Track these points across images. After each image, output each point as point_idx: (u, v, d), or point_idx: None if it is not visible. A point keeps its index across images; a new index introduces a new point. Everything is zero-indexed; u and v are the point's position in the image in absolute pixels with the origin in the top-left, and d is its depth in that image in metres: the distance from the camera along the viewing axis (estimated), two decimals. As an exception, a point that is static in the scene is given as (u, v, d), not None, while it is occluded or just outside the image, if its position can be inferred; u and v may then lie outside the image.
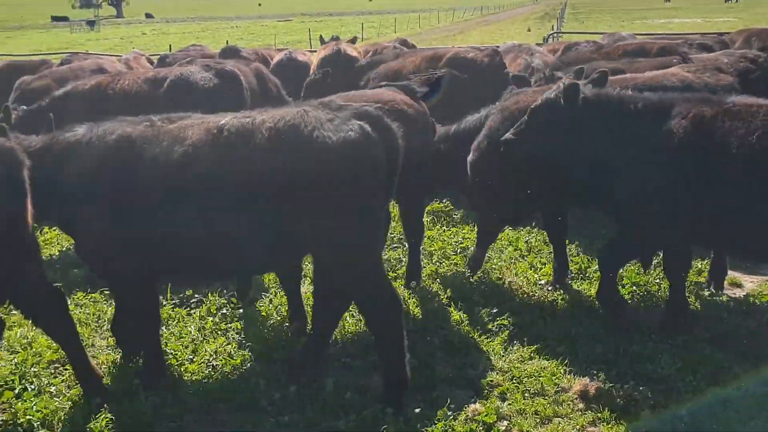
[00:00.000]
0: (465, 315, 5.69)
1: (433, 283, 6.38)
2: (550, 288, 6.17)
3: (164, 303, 5.88)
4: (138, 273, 4.46)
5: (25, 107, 7.24)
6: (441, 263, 6.87)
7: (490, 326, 5.51)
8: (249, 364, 5.08)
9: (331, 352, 5.12)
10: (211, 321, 5.71)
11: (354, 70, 9.78)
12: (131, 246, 4.30)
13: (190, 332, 5.49)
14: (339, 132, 3.89)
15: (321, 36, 16.41)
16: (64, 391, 4.75)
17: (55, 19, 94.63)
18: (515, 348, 5.22)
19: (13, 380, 4.76)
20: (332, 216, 3.98)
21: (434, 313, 5.75)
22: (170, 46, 28.86)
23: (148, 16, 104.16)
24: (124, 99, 7.31)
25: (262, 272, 5.81)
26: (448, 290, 6.09)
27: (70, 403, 4.58)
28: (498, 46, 10.21)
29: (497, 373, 4.90)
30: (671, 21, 50.26)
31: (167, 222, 4.20)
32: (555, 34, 18.43)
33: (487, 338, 5.34)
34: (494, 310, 5.70)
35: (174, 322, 5.70)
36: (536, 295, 6.08)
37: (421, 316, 5.74)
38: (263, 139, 4.01)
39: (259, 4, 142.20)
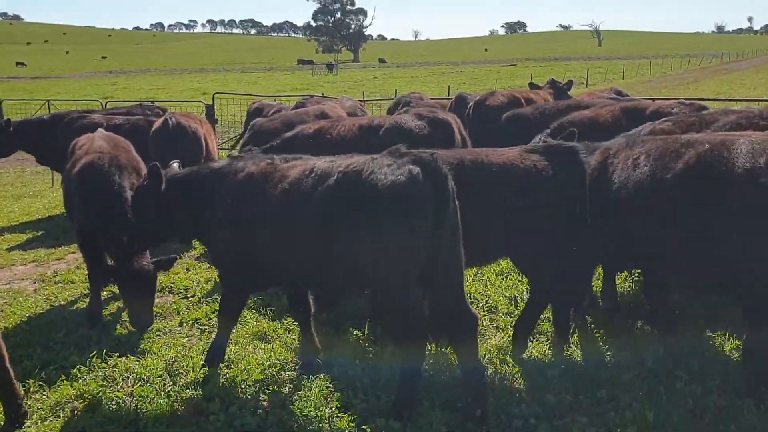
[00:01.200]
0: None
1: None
2: None
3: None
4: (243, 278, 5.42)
5: (257, 147, 8.06)
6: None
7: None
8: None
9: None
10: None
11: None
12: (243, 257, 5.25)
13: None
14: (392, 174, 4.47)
15: (530, 82, 16.46)
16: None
17: (300, 62, 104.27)
18: None
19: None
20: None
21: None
22: (395, 90, 30.39)
23: (381, 61, 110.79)
24: (342, 142, 7.87)
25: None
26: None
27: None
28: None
29: None
30: None
31: (264, 241, 5.06)
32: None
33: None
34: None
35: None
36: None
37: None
38: (333, 180, 4.70)
39: (486, 50, 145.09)
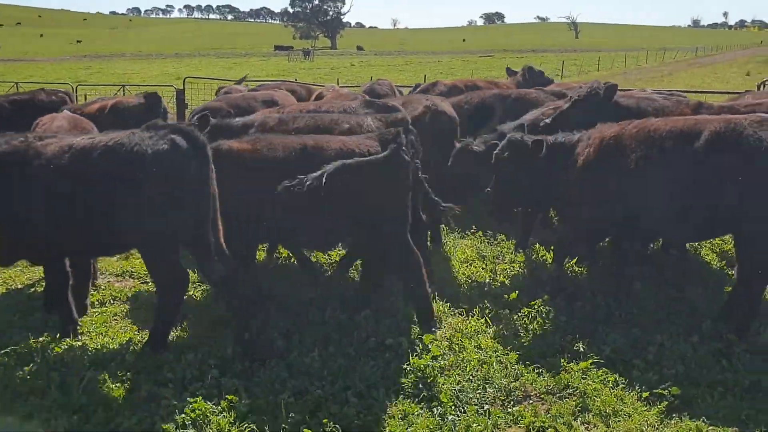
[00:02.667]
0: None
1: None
2: None
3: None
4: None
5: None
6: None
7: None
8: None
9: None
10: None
11: None
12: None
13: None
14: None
15: (507, 67, 16.53)
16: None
17: (277, 48, 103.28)
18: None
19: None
20: None
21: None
22: (371, 78, 30.19)
23: (359, 48, 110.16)
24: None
25: None
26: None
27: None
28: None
29: None
30: None
31: None
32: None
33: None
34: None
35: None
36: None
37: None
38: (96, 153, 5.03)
39: (464, 40, 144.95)
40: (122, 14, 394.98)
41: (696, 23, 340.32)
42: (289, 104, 9.56)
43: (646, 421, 4.50)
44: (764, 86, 14.53)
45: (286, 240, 6.48)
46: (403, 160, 5.58)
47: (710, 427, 4.39)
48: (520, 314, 6.03)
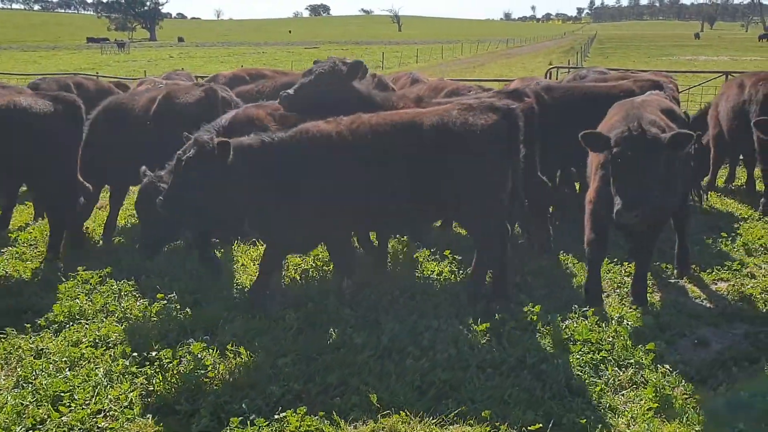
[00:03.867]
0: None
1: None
2: None
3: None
4: None
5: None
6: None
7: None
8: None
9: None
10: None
11: None
12: None
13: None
14: None
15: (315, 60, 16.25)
16: None
17: (90, 40, 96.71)
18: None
19: None
20: None
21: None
22: (184, 69, 28.88)
23: (180, 40, 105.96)
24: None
25: None
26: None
27: None
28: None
29: None
30: (697, 58, 49.65)
31: None
32: (555, 68, 17.96)
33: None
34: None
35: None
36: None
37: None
38: None
39: (289, 32, 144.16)
40: None
41: (508, 16, 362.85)
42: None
43: (415, 412, 4.43)
44: (550, 75, 15.48)
45: None
46: None
47: (473, 410, 4.40)
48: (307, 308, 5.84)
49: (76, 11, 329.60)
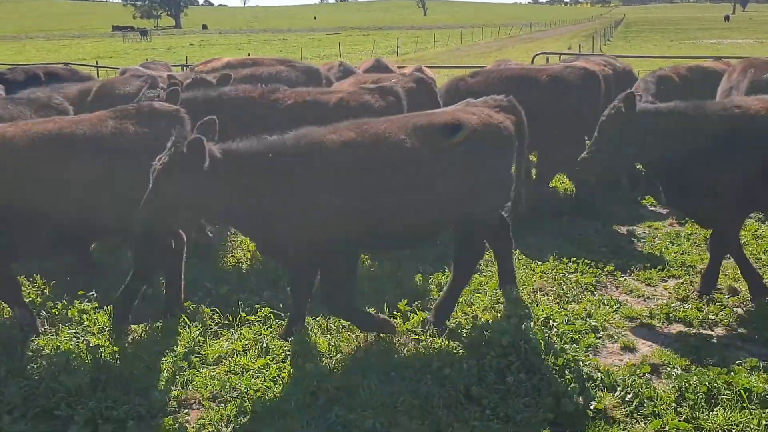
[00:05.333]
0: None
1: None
2: None
3: None
4: None
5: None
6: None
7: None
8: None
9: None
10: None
11: None
12: None
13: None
14: None
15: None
16: None
17: (115, 29, 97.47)
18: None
19: None
20: None
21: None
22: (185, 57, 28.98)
23: (204, 27, 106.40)
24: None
25: None
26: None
27: None
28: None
29: None
30: (721, 42, 48.34)
31: None
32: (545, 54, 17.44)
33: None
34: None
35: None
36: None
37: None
38: None
39: (314, 18, 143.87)
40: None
41: (536, 0, 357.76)
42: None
43: (302, 419, 4.28)
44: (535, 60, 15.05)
45: None
46: None
47: (361, 418, 4.22)
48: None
49: (104, 0, 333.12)
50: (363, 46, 53.71)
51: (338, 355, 4.93)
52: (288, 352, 4.99)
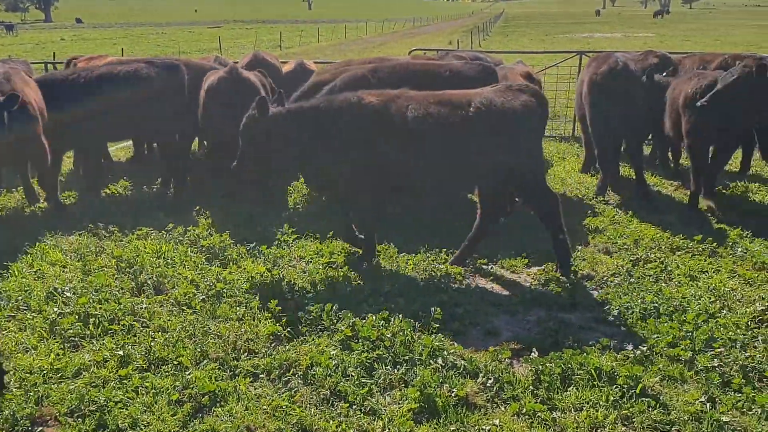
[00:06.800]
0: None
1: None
2: None
3: None
4: None
5: None
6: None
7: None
8: None
9: None
10: None
11: None
12: None
13: None
14: None
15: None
16: None
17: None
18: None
19: None
20: None
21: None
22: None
23: (78, 21, 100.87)
24: None
25: None
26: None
27: None
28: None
29: None
30: (593, 36, 50.93)
31: None
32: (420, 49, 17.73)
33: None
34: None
35: None
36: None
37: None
38: None
39: (195, 10, 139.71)
40: None
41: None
42: None
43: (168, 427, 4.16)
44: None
45: None
46: None
47: (231, 424, 4.15)
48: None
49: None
50: (245, 39, 52.64)
51: (205, 361, 4.83)
52: (151, 361, 4.83)
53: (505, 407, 4.34)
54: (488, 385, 4.53)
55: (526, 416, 4.24)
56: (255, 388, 4.55)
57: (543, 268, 6.57)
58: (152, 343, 4.99)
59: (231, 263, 6.62)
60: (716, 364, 4.69)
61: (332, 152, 6.16)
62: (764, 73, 7.36)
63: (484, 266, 6.65)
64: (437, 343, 4.91)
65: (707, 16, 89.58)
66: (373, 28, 68.87)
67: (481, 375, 4.63)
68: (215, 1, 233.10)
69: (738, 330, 5.18)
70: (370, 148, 6.09)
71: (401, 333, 5.02)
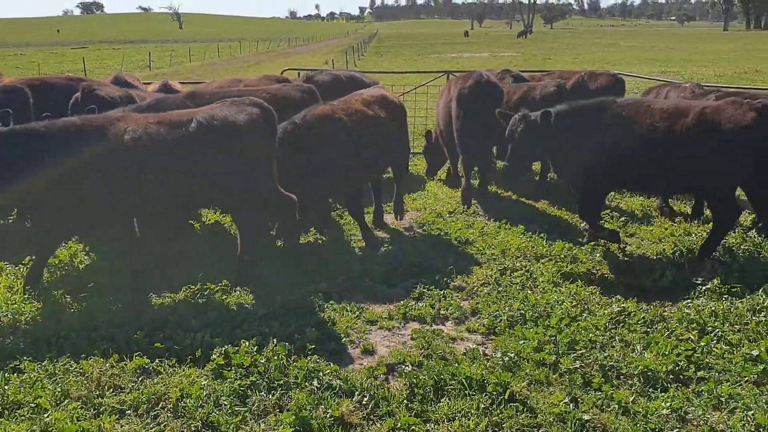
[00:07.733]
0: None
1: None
2: None
3: None
4: None
5: None
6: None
7: None
8: None
9: None
10: None
11: None
12: None
13: None
14: None
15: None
16: None
17: None
18: None
19: None
20: None
21: None
22: None
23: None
24: None
25: None
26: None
27: None
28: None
29: None
30: (462, 55, 52.83)
31: None
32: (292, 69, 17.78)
33: None
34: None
35: None
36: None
37: None
38: None
39: (58, 31, 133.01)
40: None
41: (293, 15, 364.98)
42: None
43: None
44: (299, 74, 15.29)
45: None
46: None
47: None
48: None
49: None
50: (111, 60, 50.66)
51: (66, 401, 4.54)
52: (4, 406, 4.48)
53: (380, 424, 4.36)
54: (364, 402, 4.54)
55: (402, 431, 4.28)
56: (121, 426, 4.33)
57: (416, 281, 6.68)
58: (6, 387, 4.64)
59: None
60: (578, 366, 4.94)
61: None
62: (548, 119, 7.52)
63: (358, 283, 6.68)
64: (312, 365, 4.87)
65: (566, 36, 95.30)
66: (247, 47, 68.20)
67: (356, 393, 4.63)
68: (78, 21, 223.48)
69: (597, 331, 5.49)
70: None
71: (276, 357, 4.94)
